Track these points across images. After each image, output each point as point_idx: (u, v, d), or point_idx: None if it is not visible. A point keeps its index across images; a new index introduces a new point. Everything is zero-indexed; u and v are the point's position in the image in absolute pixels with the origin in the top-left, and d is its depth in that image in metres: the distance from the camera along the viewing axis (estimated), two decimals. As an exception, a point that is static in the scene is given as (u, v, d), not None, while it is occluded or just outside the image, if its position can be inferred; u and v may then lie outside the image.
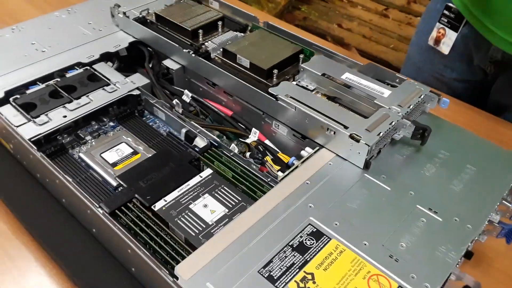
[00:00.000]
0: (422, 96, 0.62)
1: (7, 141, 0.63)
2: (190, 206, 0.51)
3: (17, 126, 0.59)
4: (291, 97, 0.61)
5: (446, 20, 0.83)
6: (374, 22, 2.21)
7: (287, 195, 0.52)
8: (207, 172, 0.55)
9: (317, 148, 0.59)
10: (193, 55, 0.69)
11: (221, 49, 0.71)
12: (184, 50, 0.70)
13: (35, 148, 0.56)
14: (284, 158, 0.60)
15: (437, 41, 0.85)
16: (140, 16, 0.79)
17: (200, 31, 0.73)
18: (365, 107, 0.62)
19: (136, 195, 0.51)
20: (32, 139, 0.58)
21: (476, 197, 0.54)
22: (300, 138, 0.62)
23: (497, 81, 0.84)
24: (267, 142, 0.64)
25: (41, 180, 0.60)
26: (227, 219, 0.50)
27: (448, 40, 0.83)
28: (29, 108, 0.62)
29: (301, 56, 0.70)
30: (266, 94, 0.62)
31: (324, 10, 2.35)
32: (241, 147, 0.65)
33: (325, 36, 2.29)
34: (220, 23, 0.76)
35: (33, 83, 0.67)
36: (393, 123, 0.57)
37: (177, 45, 0.71)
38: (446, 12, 0.83)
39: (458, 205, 0.52)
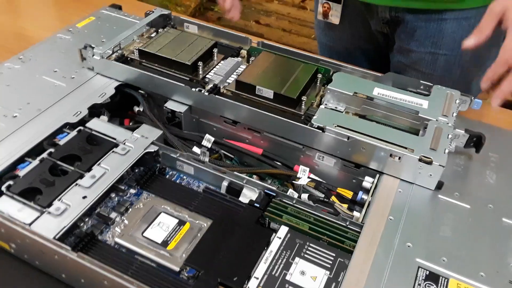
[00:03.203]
0: (457, 101, 0.61)
1: (6, 241, 0.50)
2: (288, 278, 0.44)
3: (30, 224, 0.47)
4: (338, 126, 0.56)
5: None
6: (292, 15, 2.22)
7: (379, 239, 0.47)
8: (283, 230, 0.48)
9: (378, 175, 0.55)
10: (206, 93, 0.61)
11: (233, 81, 0.63)
12: (193, 89, 0.61)
13: (68, 248, 0.45)
14: (345, 193, 0.55)
15: (325, 15, 0.88)
16: (118, 54, 0.68)
17: (200, 63, 0.65)
18: (409, 122, 0.59)
19: (220, 280, 0.43)
20: (57, 237, 0.46)
21: (544, 195, 0.54)
22: (353, 168, 0.57)
23: (395, 41, 0.89)
24: (312, 176, 0.58)
25: (68, 280, 0.49)
26: (334, 283, 0.44)
27: (335, 12, 0.87)
28: (29, 195, 0.50)
29: (319, 76, 0.65)
30: (310, 128, 0.56)
31: (239, 8, 2.30)
32: (283, 188, 0.59)
33: (244, 35, 2.25)
34: (215, 50, 0.68)
35: (20, 160, 0.54)
36: (450, 136, 0.55)
37: (182, 85, 0.61)
38: None
39: (535, 208, 0.52)
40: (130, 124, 0.66)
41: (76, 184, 0.51)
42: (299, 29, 2.21)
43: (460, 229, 0.49)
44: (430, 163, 0.52)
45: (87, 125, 0.59)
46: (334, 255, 0.46)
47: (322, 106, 0.61)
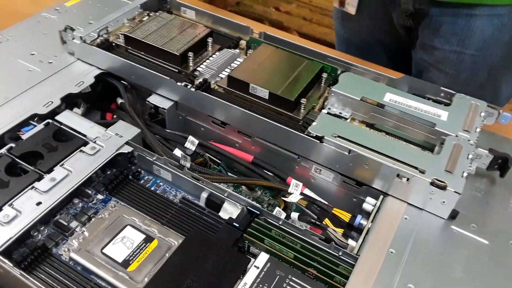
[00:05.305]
0: (482, 113, 0.52)
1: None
2: (261, 320, 0.37)
3: (-28, 232, 0.41)
4: (339, 136, 0.48)
5: None
6: (314, 3, 2.11)
7: (375, 276, 0.40)
8: (263, 258, 0.41)
9: (381, 197, 0.47)
10: (192, 89, 0.53)
11: (226, 76, 0.56)
12: (179, 84, 0.54)
13: (11, 264, 0.39)
14: (342, 215, 0.47)
15: (341, 2, 0.81)
16: (102, 39, 0.61)
17: (190, 54, 0.57)
18: (423, 136, 0.51)
19: (181, 317, 0.36)
20: (1, 249, 0.40)
21: None
22: (354, 186, 0.49)
23: (419, 37, 0.80)
24: (306, 191, 0.51)
25: (16, 297, 0.43)
26: (316, 331, 0.36)
27: (352, 0, 0.79)
28: (-21, 197, 0.44)
29: (324, 75, 0.57)
30: (306, 136, 0.48)
31: (259, -7, 2.21)
32: (274, 201, 0.52)
33: (262, 22, 2.16)
34: (210, 40, 0.61)
35: (-24, 155, 0.48)
36: (470, 156, 0.47)
37: (167, 77, 0.54)
38: None
39: None
40: (114, 118, 0.60)
41: (33, 187, 0.45)
42: (320, 18, 2.11)
43: (474, 270, 0.41)
44: (444, 188, 0.44)
45: (57, 118, 0.52)
46: (320, 293, 0.39)
47: (324, 111, 0.53)
